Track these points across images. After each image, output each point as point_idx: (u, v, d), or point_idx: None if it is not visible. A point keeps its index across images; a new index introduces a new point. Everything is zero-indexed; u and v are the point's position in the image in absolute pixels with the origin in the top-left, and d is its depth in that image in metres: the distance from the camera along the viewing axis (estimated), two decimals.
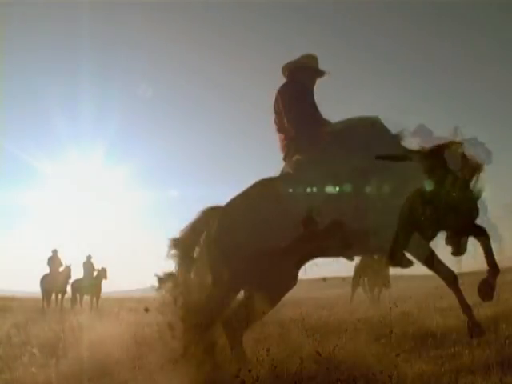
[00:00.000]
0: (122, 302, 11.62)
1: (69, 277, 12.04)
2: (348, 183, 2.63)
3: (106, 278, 12.09)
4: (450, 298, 3.04)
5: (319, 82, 3.20)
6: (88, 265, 12.18)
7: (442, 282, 2.65)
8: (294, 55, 3.18)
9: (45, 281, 11.99)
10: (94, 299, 11.88)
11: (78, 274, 12.26)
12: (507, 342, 2.64)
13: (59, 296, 12.02)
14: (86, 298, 12.16)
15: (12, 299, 13.94)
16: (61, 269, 12.20)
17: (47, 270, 12.18)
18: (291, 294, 2.75)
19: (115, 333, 4.15)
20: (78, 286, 11.98)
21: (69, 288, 12.06)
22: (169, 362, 2.51)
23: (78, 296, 12.09)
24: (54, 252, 12.39)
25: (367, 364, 2.40)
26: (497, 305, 3.84)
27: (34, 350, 3.41)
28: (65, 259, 12.35)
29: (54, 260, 12.30)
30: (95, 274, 12.13)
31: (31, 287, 12.46)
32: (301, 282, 2.76)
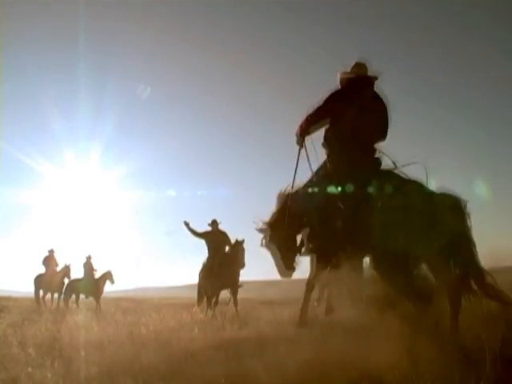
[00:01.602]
0: (119, 302, 11.58)
1: (68, 277, 11.81)
2: None
3: (112, 281, 11.61)
4: None
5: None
6: (87, 265, 11.84)
7: None
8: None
9: (38, 280, 11.91)
10: (94, 300, 11.47)
11: (79, 274, 11.96)
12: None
13: (55, 296, 11.95)
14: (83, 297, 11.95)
15: (8, 299, 13.89)
16: (58, 268, 12.09)
17: (43, 270, 12.11)
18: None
19: (111, 333, 4.13)
20: (73, 286, 11.68)
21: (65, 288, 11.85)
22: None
23: (73, 296, 11.80)
24: (50, 252, 12.33)
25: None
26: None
27: (30, 350, 3.39)
28: (64, 259, 12.19)
29: (49, 260, 12.21)
30: (96, 274, 11.71)
31: (28, 287, 12.32)
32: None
